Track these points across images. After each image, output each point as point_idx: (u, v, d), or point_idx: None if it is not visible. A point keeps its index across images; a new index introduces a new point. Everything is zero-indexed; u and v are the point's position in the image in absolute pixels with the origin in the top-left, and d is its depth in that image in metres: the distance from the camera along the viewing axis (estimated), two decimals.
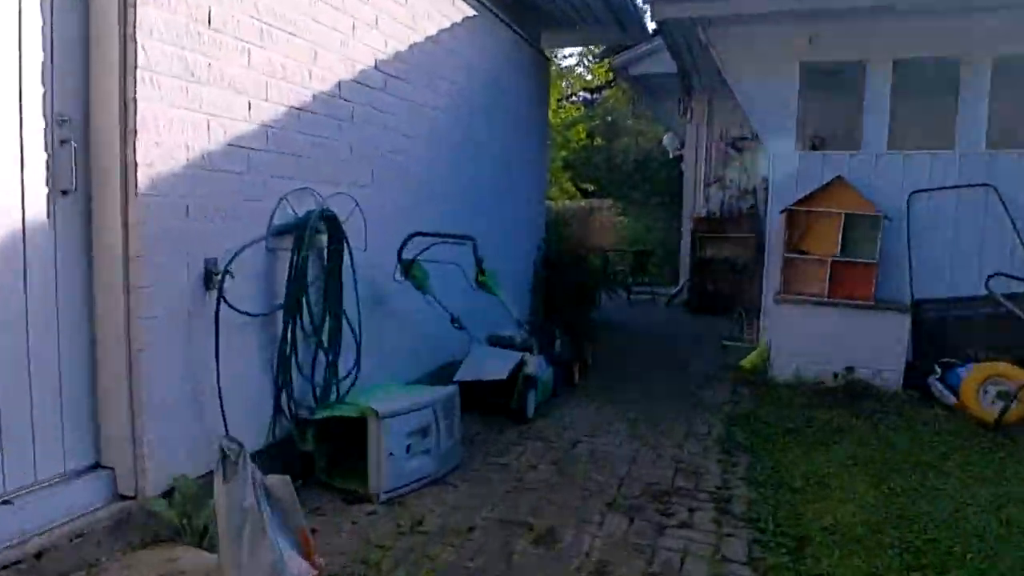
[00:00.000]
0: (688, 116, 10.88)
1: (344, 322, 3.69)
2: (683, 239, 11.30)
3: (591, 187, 22.18)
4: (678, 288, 11.25)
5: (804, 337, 5.89)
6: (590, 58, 22.48)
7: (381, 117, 4.28)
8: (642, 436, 4.56)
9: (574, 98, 23.39)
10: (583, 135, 20.75)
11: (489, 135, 6.01)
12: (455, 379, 4.53)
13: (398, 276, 4.36)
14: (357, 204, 3.86)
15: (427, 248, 4.48)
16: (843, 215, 5.90)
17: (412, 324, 4.65)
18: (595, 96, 24.44)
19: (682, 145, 11.49)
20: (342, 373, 3.73)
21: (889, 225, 5.87)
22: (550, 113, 20.12)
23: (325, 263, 3.62)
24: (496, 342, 5.14)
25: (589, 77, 22.72)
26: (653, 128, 20.87)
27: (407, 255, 4.40)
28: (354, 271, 3.73)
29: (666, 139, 12.18)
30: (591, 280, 8.12)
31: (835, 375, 5.73)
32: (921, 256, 5.89)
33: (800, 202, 6.14)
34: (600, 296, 8.52)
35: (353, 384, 3.78)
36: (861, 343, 5.72)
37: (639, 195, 17.77)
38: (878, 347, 5.69)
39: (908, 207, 5.92)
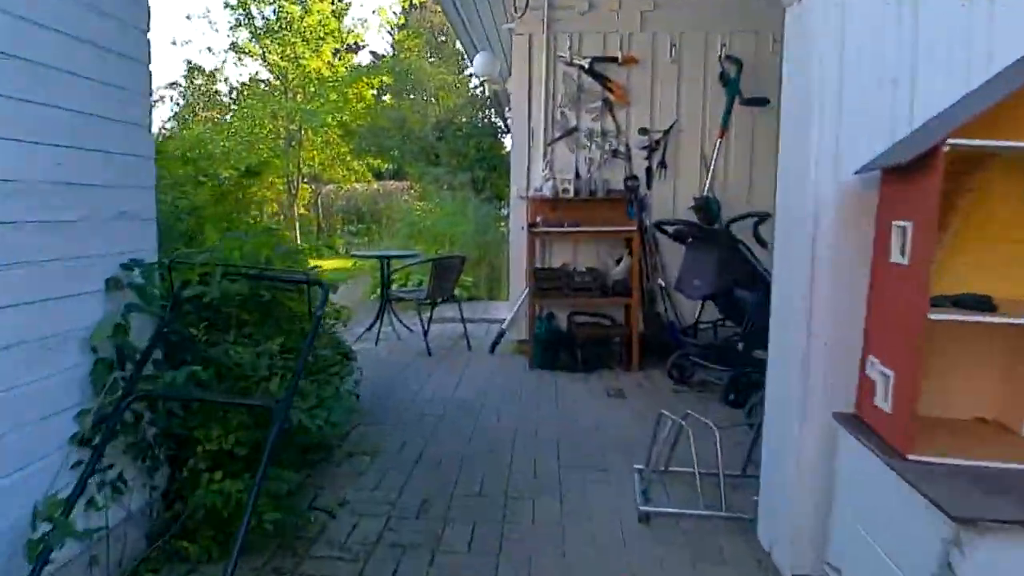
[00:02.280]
0: (520, 12, 6.17)
1: None
2: (512, 236, 6.64)
3: (387, 165, 17.11)
4: (506, 320, 6.58)
5: None
6: None
7: None
8: None
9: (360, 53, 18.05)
10: (368, 95, 15.63)
11: None
12: None
13: None
14: None
15: None
16: None
17: None
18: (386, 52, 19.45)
19: (509, 74, 6.85)
20: None
21: None
22: (322, 66, 14.73)
23: None
24: None
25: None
26: (463, 81, 16.27)
27: None
28: None
29: (478, 61, 7.39)
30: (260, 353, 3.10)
31: None
32: None
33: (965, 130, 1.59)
34: (293, 384, 3.54)
35: None
36: None
37: (444, 172, 13.00)
38: None
39: None
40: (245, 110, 15.21)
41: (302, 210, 17.83)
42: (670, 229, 5.22)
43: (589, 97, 6.23)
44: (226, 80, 15.87)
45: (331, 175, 17.48)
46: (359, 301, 9.38)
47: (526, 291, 6.14)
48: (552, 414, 4.61)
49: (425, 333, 6.67)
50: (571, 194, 6.07)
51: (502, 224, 11.51)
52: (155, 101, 15.56)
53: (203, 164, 14.46)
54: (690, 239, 5.15)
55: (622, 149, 6.21)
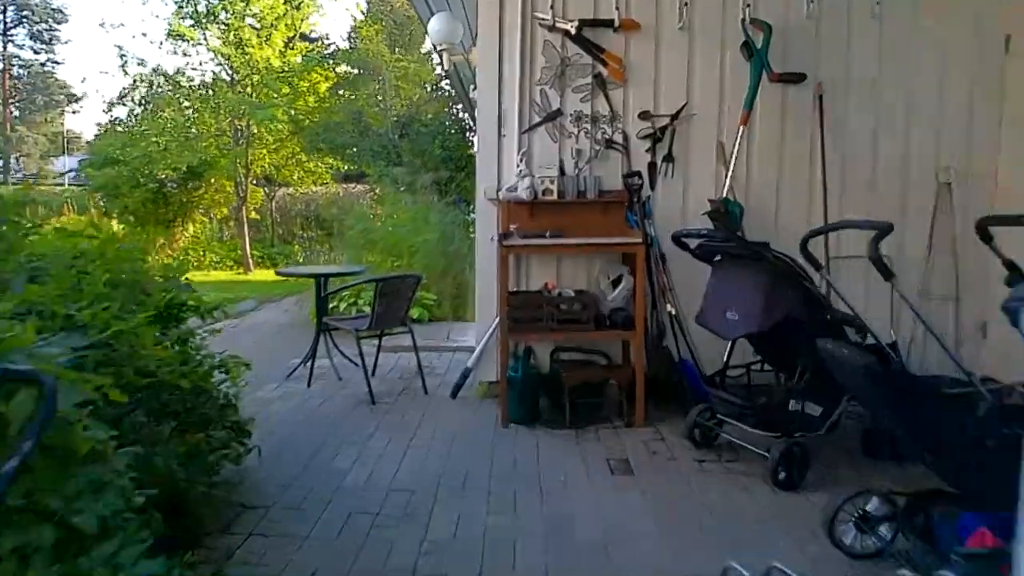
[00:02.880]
0: None
1: None
2: (479, 249, 5.23)
3: (346, 166, 15.60)
4: (471, 357, 5.18)
5: None
6: None
7: None
8: None
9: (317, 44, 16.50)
10: (322, 87, 14.10)
11: None
12: None
13: None
14: None
15: None
16: None
17: None
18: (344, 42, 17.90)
19: (473, 42, 5.46)
20: None
21: None
22: (273, 56, 13.21)
23: None
24: None
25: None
26: (427, 71, 14.76)
27: None
28: None
29: (434, 25, 5.94)
30: None
31: None
32: None
33: None
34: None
35: None
36: None
37: (405, 173, 11.55)
38: None
39: None
40: (183, 102, 13.61)
41: (253, 214, 16.25)
42: (693, 243, 3.86)
43: (577, 72, 4.86)
44: (164, 74, 14.12)
45: (284, 177, 15.93)
46: (307, 321, 7.93)
47: (496, 320, 4.75)
48: (536, 514, 3.21)
49: (369, 372, 5.25)
50: (554, 195, 4.71)
51: (471, 231, 10.14)
52: (116, 99, 13.66)
53: (136, 164, 12.91)
54: (721, 257, 3.80)
55: (619, 139, 4.86)
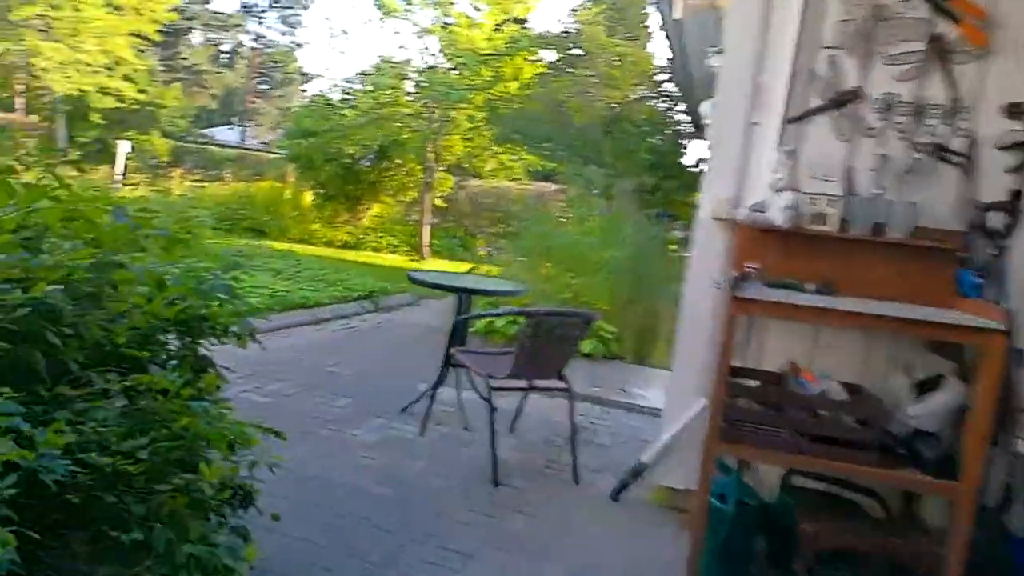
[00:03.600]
0: None
1: None
2: (690, 289, 3.47)
3: (541, 163, 14.30)
4: (655, 446, 3.44)
5: None
6: None
7: None
8: None
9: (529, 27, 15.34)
10: (526, 73, 12.84)
11: None
12: None
13: None
14: None
15: None
16: None
17: None
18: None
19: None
20: None
21: None
22: (480, 39, 12.21)
23: None
24: None
25: None
26: (639, 53, 12.88)
27: None
28: None
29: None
30: None
31: None
32: None
33: None
34: None
35: None
36: None
37: (601, 175, 9.89)
38: None
39: None
40: (379, 78, 13.00)
41: (438, 202, 15.49)
42: None
43: (897, 30, 2.96)
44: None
45: (476, 167, 14.96)
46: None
47: (702, 407, 3.00)
48: None
49: (505, 429, 3.72)
50: (831, 224, 2.86)
51: (673, 250, 8.32)
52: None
53: (328, 138, 12.51)
54: None
55: (959, 145, 2.89)
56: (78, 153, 17.13)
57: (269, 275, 8.49)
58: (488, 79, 12.20)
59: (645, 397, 5.42)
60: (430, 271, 8.39)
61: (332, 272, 9.29)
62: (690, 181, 9.94)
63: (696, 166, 12.02)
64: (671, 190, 9.27)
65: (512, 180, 15.56)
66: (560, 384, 3.78)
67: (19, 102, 19.10)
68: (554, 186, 14.05)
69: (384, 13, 13.12)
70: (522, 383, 3.79)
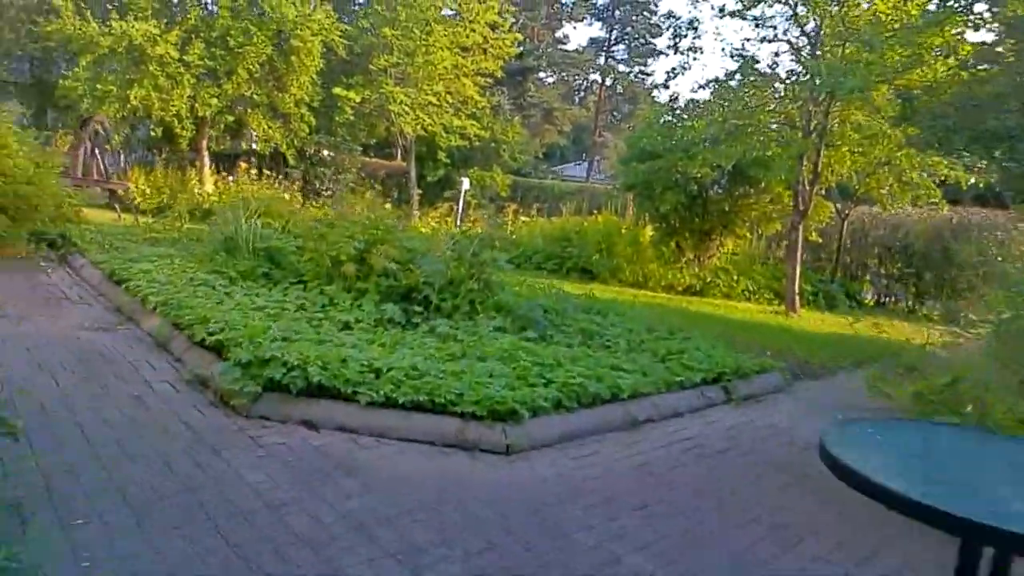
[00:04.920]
0: None
1: None
2: None
3: (972, 178, 10.03)
4: None
5: None
6: None
7: None
8: None
9: None
10: (964, 49, 8.85)
11: None
12: None
13: None
14: None
15: None
16: None
17: None
18: None
19: None
20: None
21: None
22: (885, 7, 8.86)
23: None
24: None
25: None
26: None
27: None
28: None
29: None
30: None
31: None
32: None
33: None
34: None
35: None
36: None
37: None
38: None
39: None
40: (748, 81, 10.08)
41: (813, 235, 12.01)
42: None
43: None
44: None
45: (870, 188, 11.19)
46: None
47: None
48: None
49: None
50: None
51: None
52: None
53: (671, 159, 10.14)
54: None
55: None
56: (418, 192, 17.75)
57: (575, 336, 6.22)
58: (903, 59, 8.48)
59: None
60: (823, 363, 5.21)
61: (665, 337, 6.64)
62: None
63: None
64: None
65: (919, 206, 11.38)
66: None
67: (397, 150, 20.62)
68: (995, 212, 9.61)
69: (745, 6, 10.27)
70: None
